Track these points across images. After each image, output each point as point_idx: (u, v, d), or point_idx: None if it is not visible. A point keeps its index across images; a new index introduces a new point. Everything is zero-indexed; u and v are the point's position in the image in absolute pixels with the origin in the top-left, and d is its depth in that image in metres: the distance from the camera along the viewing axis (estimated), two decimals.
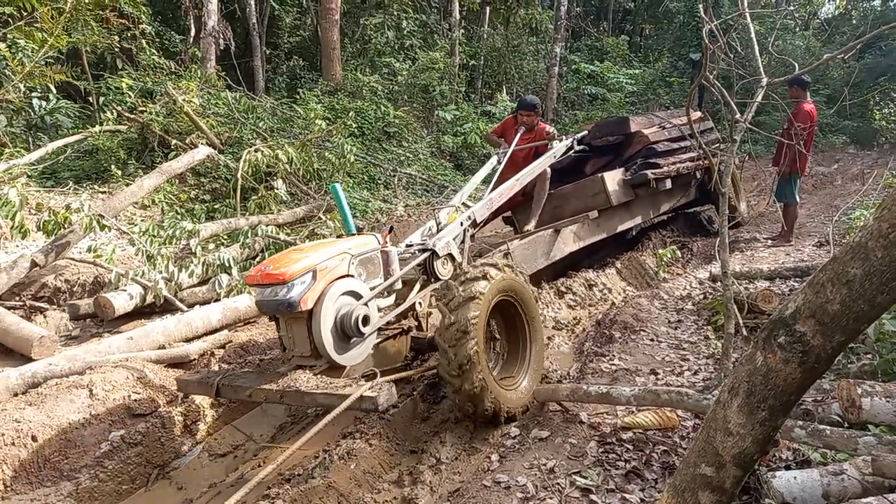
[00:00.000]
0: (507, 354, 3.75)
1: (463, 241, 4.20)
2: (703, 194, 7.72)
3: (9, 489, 3.20)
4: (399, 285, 3.70)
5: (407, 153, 11.65)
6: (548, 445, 3.02)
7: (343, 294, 3.20)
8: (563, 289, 5.73)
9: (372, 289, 3.40)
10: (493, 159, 5.70)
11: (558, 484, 2.65)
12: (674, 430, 3.01)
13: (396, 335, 3.70)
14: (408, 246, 4.03)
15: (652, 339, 4.53)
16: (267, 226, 6.68)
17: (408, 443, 3.45)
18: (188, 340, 4.68)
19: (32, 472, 3.28)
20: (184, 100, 9.28)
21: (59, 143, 8.77)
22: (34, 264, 4.99)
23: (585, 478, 2.68)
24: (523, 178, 5.13)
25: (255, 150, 8.42)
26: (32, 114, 9.34)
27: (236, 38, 13.59)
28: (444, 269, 3.85)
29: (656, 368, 3.95)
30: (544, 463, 2.82)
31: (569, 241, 5.73)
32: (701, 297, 5.46)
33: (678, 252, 6.37)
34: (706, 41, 3.56)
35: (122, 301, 4.90)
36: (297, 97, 12.33)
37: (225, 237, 6.81)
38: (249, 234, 6.47)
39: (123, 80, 9.91)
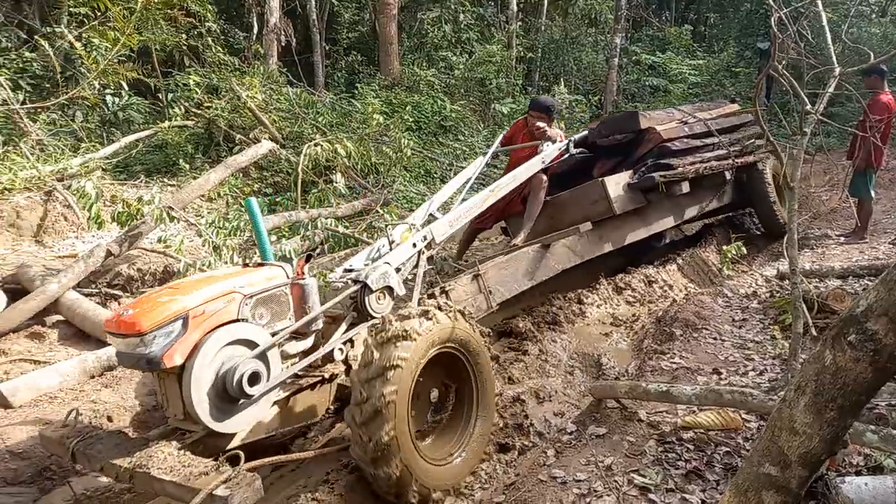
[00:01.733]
0: (450, 415, 3.17)
1: (416, 266, 3.52)
2: (741, 196, 6.89)
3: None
4: (319, 325, 3.05)
5: (463, 147, 11.67)
6: (605, 442, 3.00)
7: (228, 345, 2.59)
8: (621, 284, 5.64)
9: (275, 334, 2.79)
10: (477, 161, 4.97)
11: (616, 482, 2.62)
12: (737, 431, 2.94)
13: (316, 384, 3.09)
14: (346, 271, 3.36)
15: (715, 338, 4.42)
16: (326, 218, 6.82)
17: None
18: None
19: None
20: (247, 95, 9.56)
21: (131, 137, 9.18)
22: (109, 253, 5.24)
23: (644, 476, 2.64)
24: (499, 188, 4.36)
25: (315, 145, 8.59)
26: (106, 110, 9.79)
27: (297, 35, 13.88)
28: (378, 305, 3.16)
29: (719, 368, 3.85)
30: (601, 460, 2.80)
31: (561, 257, 5.01)
32: (768, 295, 5.28)
33: (744, 248, 6.11)
34: (775, 30, 3.43)
35: None
36: (356, 92, 12.51)
37: (286, 229, 6.99)
38: (310, 227, 6.62)
39: (190, 76, 10.27)
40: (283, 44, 13.05)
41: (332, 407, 3.19)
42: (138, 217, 5.54)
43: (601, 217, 5.26)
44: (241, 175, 8.67)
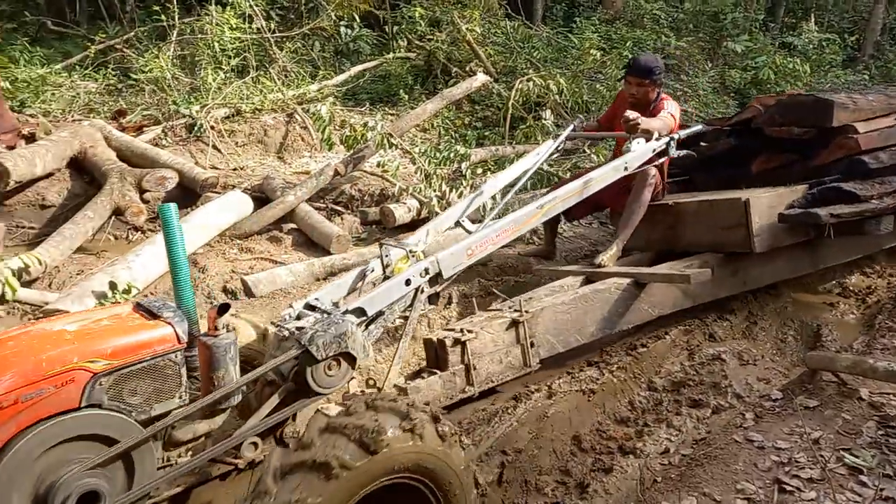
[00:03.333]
0: None
1: (411, 306, 2.52)
2: None
3: None
4: (235, 399, 2.14)
5: (685, 88, 10.85)
6: (815, 415, 2.76)
7: (59, 445, 1.78)
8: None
9: (153, 420, 1.96)
10: (541, 149, 3.89)
11: (822, 456, 2.42)
12: None
13: (229, 473, 2.25)
14: (307, 307, 2.44)
15: None
16: None
17: (652, 385, 3.41)
18: None
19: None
20: (466, 28, 9.72)
21: (359, 67, 9.85)
22: (336, 173, 5.78)
23: (857, 457, 2.40)
24: (552, 204, 3.05)
25: (527, 80, 8.54)
26: (340, 41, 10.57)
27: None
28: (327, 378, 2.19)
29: None
30: (808, 432, 2.59)
31: (662, 300, 3.71)
32: None
33: None
34: None
35: (401, 212, 5.49)
36: (574, 26, 12.11)
37: (492, 163, 7.13)
38: (515, 162, 6.68)
39: (416, 9, 10.66)
40: None
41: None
42: (362, 141, 6.01)
43: (735, 250, 3.85)
44: (454, 108, 8.94)
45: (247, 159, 7.02)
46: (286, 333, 2.26)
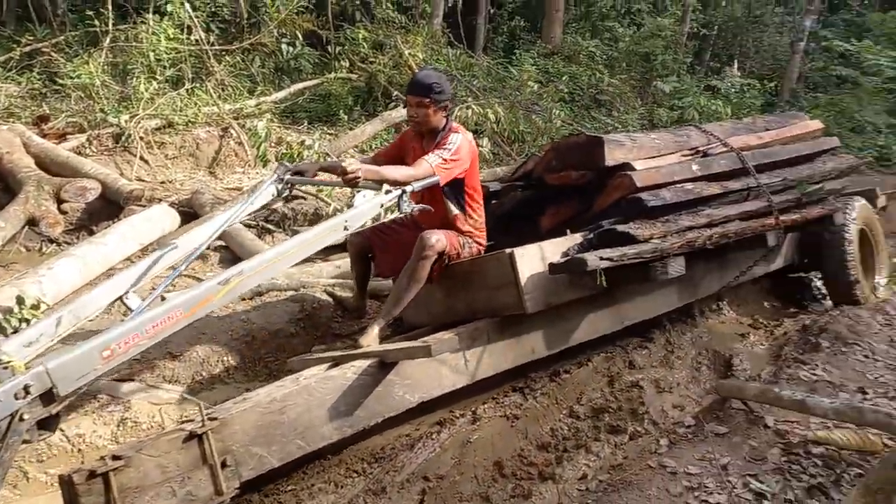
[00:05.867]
0: None
1: (3, 440, 1.73)
2: (805, 256, 5.01)
3: (230, 376, 3.79)
4: None
5: (615, 123, 11.29)
6: (724, 442, 2.88)
7: None
8: (768, 287, 5.28)
9: None
10: (261, 192, 3.04)
11: (730, 482, 2.52)
12: (875, 455, 2.69)
13: None
14: None
15: (866, 356, 4.02)
16: None
17: (573, 412, 3.48)
18: None
19: (249, 366, 3.85)
20: (409, 54, 9.84)
21: (300, 85, 9.81)
22: None
23: (762, 483, 2.51)
24: (237, 280, 2.31)
25: (466, 107, 8.72)
26: (281, 58, 10.48)
27: None
28: None
29: (866, 387, 3.51)
30: (717, 458, 2.70)
31: (423, 382, 3.04)
32: None
33: None
34: None
35: None
36: (513, 58, 12.45)
37: None
38: None
39: (360, 31, 10.72)
40: (450, 4, 13.21)
41: None
42: (298, 159, 5.95)
43: (510, 312, 3.22)
44: (393, 130, 9.00)
45: (176, 172, 6.84)
46: None
